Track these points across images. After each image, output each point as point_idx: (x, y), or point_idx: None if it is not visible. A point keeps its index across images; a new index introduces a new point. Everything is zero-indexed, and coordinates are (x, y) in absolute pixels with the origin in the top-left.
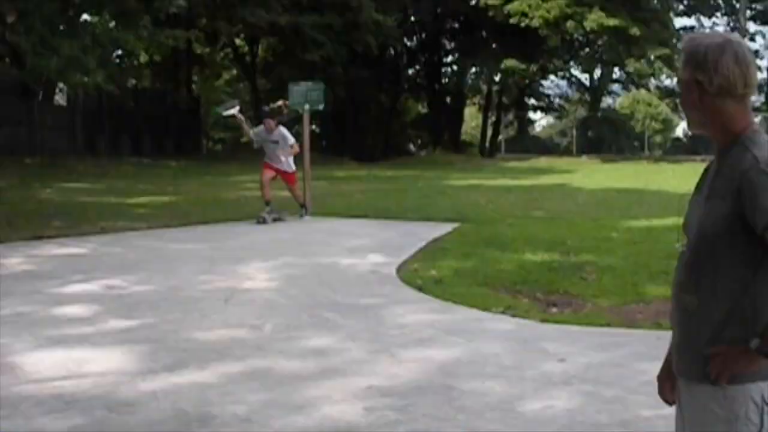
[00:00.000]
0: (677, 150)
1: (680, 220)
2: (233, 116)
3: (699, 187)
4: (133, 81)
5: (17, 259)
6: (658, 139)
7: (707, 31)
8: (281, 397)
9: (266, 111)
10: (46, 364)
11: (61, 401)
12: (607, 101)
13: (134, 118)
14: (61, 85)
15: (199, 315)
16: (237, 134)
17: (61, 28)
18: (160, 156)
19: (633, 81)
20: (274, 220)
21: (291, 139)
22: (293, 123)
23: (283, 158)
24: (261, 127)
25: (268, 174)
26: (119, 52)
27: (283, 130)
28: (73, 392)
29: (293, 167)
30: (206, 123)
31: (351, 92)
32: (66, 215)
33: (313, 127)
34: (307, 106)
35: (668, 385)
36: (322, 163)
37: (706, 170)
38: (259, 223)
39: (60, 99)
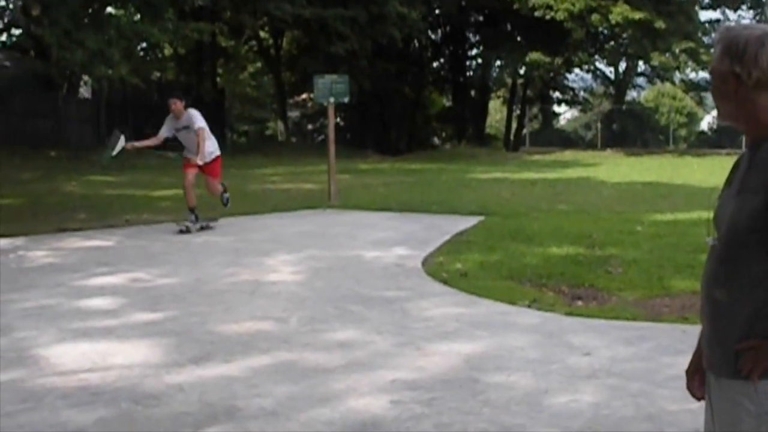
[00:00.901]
0: (702, 144)
1: (706, 214)
2: (125, 148)
3: (729, 180)
4: (158, 74)
5: (42, 251)
6: (682, 132)
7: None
8: (307, 390)
9: (173, 95)
10: (71, 357)
11: (87, 394)
12: (631, 94)
13: (159, 111)
14: (85, 78)
15: (224, 307)
16: (261, 127)
17: (86, 21)
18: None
19: (658, 74)
20: (201, 228)
21: (198, 123)
22: (318, 116)
23: (201, 145)
24: (169, 116)
25: (191, 173)
26: (144, 45)
27: (192, 112)
28: (98, 385)
29: (217, 151)
30: (230, 116)
31: (375, 85)
32: (90, 208)
33: (337, 119)
34: (332, 99)
35: (697, 379)
36: (345, 155)
37: (736, 164)
38: (182, 232)
39: (84, 92)
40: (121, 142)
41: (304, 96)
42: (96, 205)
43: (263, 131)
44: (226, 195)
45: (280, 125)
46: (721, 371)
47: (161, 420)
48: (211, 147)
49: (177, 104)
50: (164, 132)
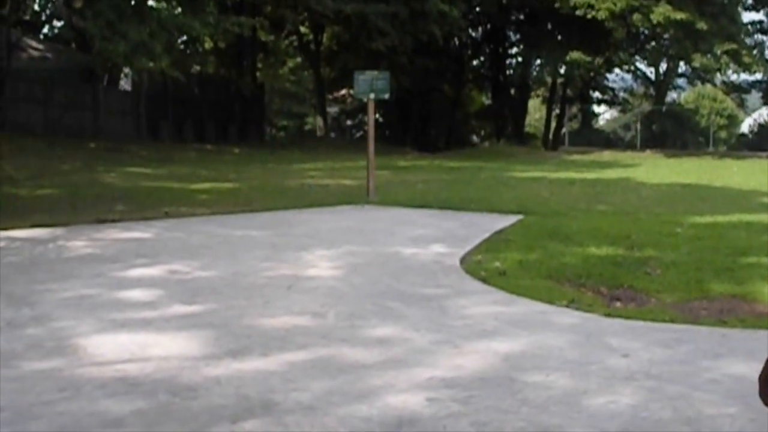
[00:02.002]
0: (742, 146)
1: (746, 217)
2: None
3: None
4: (198, 67)
5: (81, 242)
6: (722, 134)
7: None
8: (344, 386)
9: None
10: (109, 347)
11: (124, 384)
12: (671, 95)
13: (198, 105)
14: (125, 70)
15: (262, 301)
16: (300, 122)
17: (128, 13)
18: (224, 142)
19: (699, 76)
20: None
21: None
22: (357, 112)
23: None
24: None
25: None
26: (184, 38)
27: None
28: (136, 375)
29: None
30: (269, 110)
31: (415, 82)
32: (129, 199)
33: (377, 116)
34: (372, 95)
35: None
36: (385, 152)
37: None
38: None
39: (125, 84)
40: None
41: (343, 92)
42: (135, 196)
43: (302, 126)
44: None
45: (319, 120)
46: None
47: (198, 412)
48: None
49: None
50: None
